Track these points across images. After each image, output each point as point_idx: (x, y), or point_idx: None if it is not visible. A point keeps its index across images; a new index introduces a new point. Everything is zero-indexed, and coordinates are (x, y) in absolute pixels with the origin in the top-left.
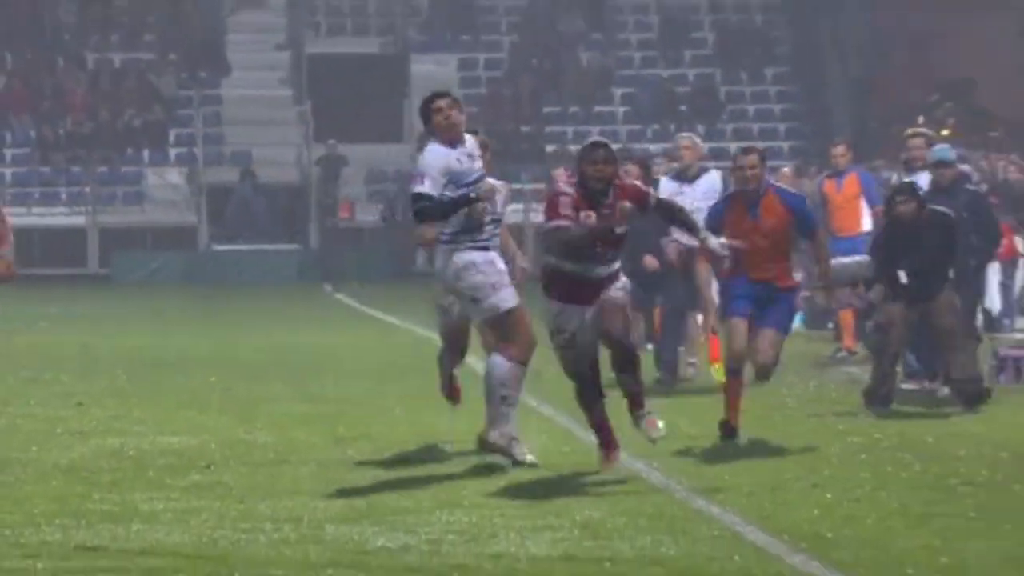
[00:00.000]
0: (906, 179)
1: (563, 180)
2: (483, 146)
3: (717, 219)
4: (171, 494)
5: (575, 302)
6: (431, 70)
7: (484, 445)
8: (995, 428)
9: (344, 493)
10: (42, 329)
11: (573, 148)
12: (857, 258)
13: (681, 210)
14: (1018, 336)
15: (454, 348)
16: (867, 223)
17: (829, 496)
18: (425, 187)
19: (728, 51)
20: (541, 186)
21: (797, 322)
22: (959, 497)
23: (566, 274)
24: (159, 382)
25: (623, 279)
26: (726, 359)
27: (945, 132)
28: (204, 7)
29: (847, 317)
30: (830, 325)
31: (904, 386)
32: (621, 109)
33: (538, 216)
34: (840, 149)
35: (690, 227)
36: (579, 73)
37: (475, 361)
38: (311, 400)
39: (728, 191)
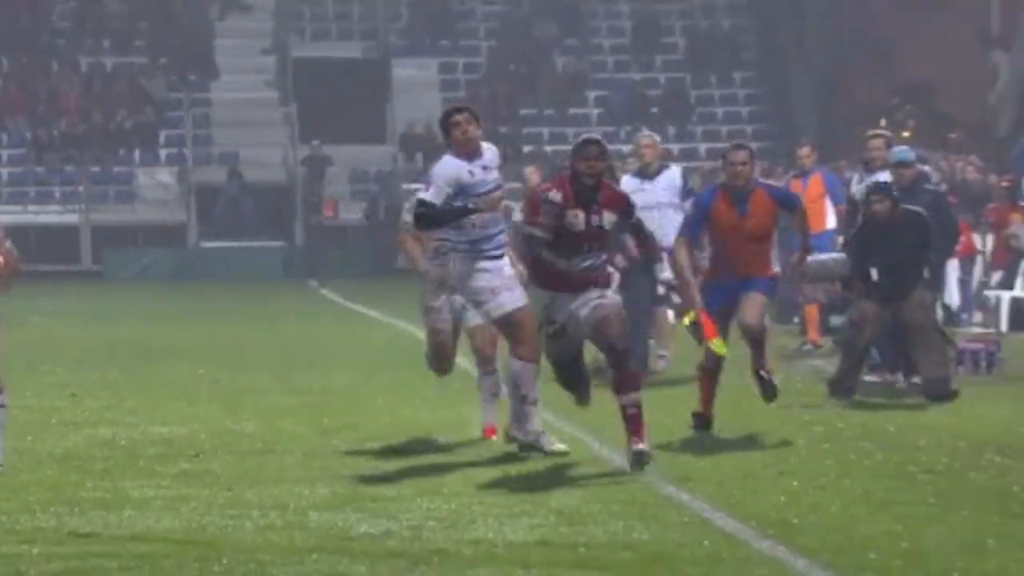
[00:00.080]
0: (873, 178)
1: (552, 185)
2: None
3: (702, 210)
4: (161, 482)
5: (562, 291)
6: (412, 74)
7: (511, 440)
8: (954, 418)
9: (328, 481)
10: (37, 323)
11: (549, 149)
12: (834, 255)
13: (650, 237)
14: (976, 330)
15: (440, 356)
16: (831, 221)
17: (795, 484)
18: (428, 195)
19: (697, 56)
20: (518, 185)
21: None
22: (919, 485)
23: (551, 266)
24: (150, 374)
25: (614, 276)
26: (704, 356)
27: (906, 134)
28: (193, 13)
29: (812, 311)
30: (796, 319)
31: (867, 378)
32: (595, 111)
33: (516, 215)
34: (805, 150)
35: (651, 253)
36: (554, 77)
37: (464, 363)
38: (296, 392)
39: (688, 187)
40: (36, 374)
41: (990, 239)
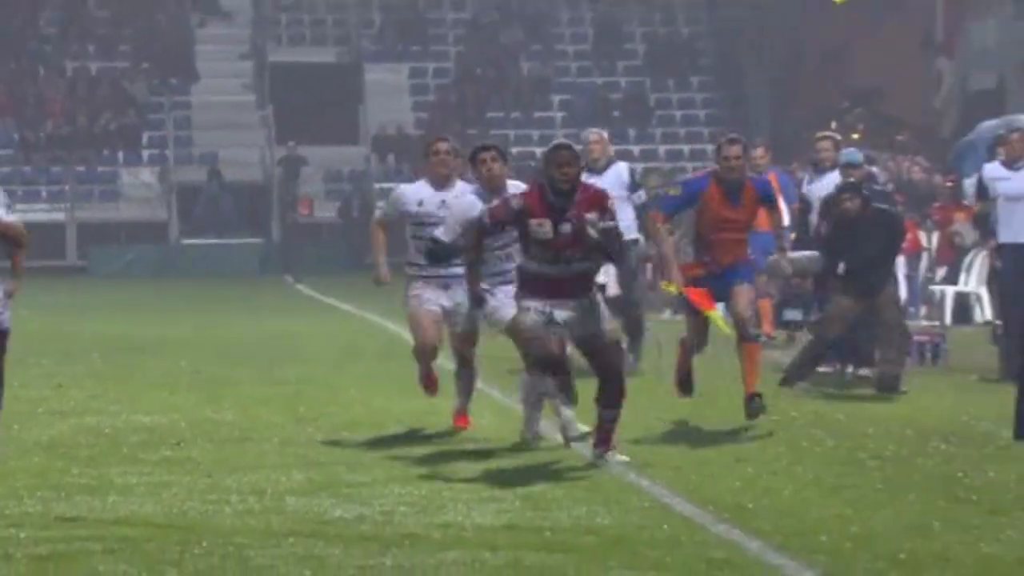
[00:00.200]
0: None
1: (523, 193)
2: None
3: (691, 196)
4: (144, 469)
5: (556, 298)
6: (384, 78)
7: (527, 441)
8: (901, 407)
9: (304, 468)
10: (24, 317)
11: (515, 150)
12: (807, 253)
13: (620, 237)
14: (922, 323)
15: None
16: (785, 219)
17: (750, 470)
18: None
19: (657, 61)
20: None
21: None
22: (868, 470)
23: (541, 275)
24: (133, 366)
25: (610, 285)
26: (688, 337)
27: (855, 136)
28: (174, 20)
29: (765, 305)
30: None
31: (820, 369)
32: (559, 114)
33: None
34: (760, 151)
35: (618, 261)
36: (520, 81)
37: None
38: (273, 382)
39: (635, 182)
40: (23, 365)
41: (935, 237)
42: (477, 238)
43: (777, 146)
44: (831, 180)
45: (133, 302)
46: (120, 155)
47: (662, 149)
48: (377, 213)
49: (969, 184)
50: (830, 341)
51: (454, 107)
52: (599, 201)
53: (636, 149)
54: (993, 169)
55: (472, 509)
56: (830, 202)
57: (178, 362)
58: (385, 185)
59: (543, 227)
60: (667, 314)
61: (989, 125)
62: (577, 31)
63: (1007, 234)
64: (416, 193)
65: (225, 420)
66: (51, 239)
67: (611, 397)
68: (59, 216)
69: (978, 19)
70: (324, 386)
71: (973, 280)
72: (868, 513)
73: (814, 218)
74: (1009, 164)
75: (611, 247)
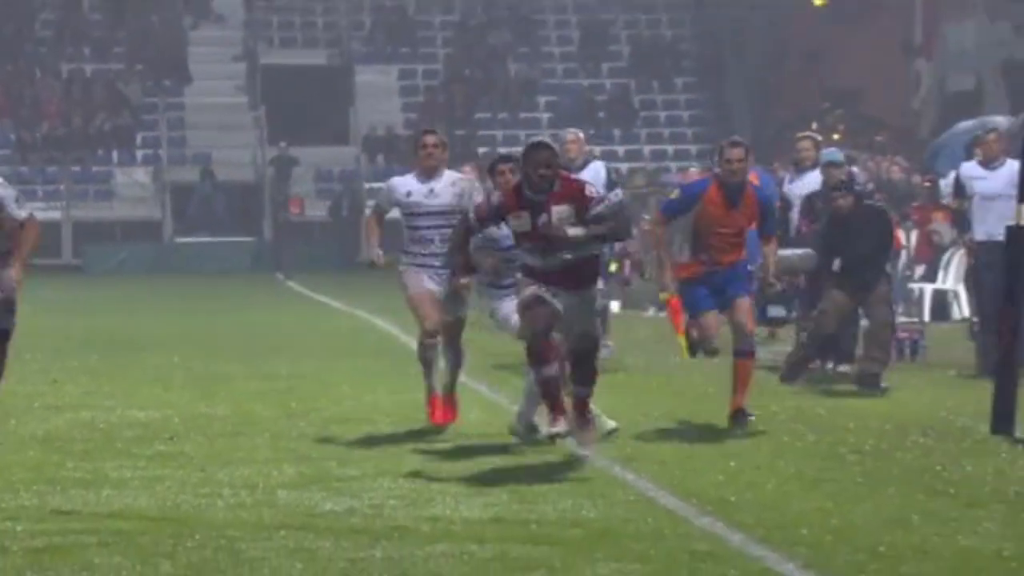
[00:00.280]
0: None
1: (502, 192)
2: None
3: (692, 198)
4: (138, 463)
5: (552, 284)
6: (374, 79)
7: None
8: (880, 403)
9: (295, 462)
10: (21, 313)
11: (503, 150)
12: (799, 252)
13: (618, 213)
14: (901, 320)
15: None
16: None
17: (733, 464)
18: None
19: (641, 63)
20: None
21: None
22: (848, 464)
23: (533, 267)
24: (127, 361)
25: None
26: (702, 342)
27: (836, 136)
28: (168, 22)
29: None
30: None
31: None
32: (545, 115)
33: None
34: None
35: (624, 236)
36: (507, 82)
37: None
38: (265, 377)
39: (612, 180)
40: (20, 361)
41: (914, 235)
42: (464, 236)
43: (759, 146)
44: (811, 179)
45: (127, 299)
46: (115, 155)
47: (647, 149)
48: (371, 207)
49: (945, 184)
50: (827, 336)
51: (443, 108)
52: (574, 192)
53: (621, 149)
54: (970, 168)
55: (460, 502)
56: (815, 200)
57: (171, 358)
58: (375, 184)
59: (520, 220)
60: (651, 311)
61: (964, 126)
62: (563, 33)
63: (983, 232)
64: (405, 185)
65: (218, 415)
66: (47, 238)
67: (586, 376)
68: (55, 215)
69: (956, 22)
70: (315, 382)
71: (951, 278)
72: (848, 506)
73: (795, 216)
74: (986, 164)
75: (610, 227)
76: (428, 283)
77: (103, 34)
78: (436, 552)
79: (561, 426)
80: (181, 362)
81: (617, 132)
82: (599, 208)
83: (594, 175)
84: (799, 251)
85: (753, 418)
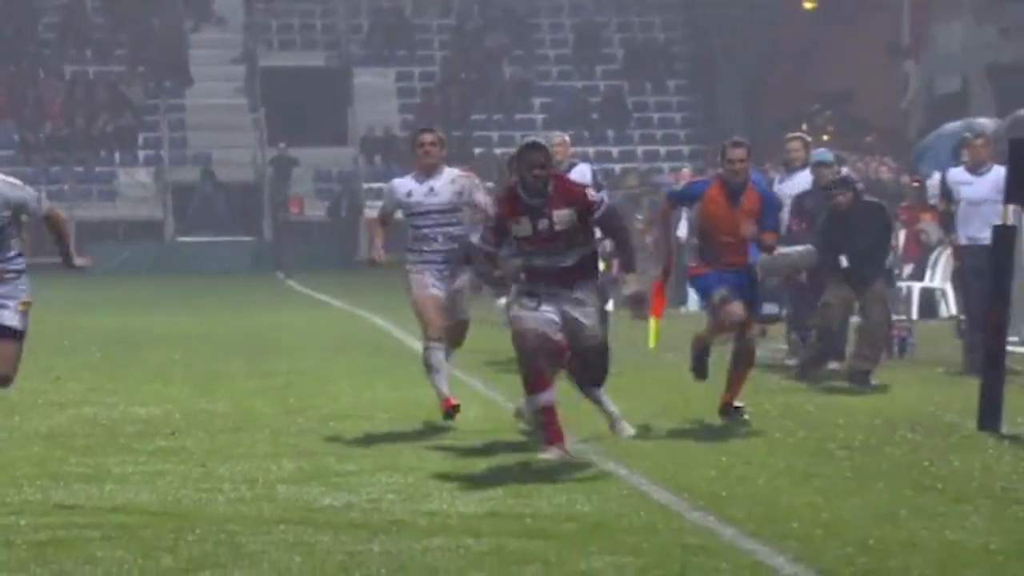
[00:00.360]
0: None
1: (497, 198)
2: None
3: (694, 195)
4: (139, 458)
5: (550, 289)
6: (372, 81)
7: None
8: (869, 399)
9: (294, 457)
10: None
11: (498, 151)
12: (799, 248)
13: (624, 230)
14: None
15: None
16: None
17: (724, 459)
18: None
19: (634, 65)
20: None
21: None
22: (837, 460)
23: (531, 267)
24: (129, 358)
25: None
26: (719, 333)
27: (825, 137)
28: (169, 25)
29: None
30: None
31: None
32: (540, 116)
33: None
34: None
35: (627, 255)
36: (503, 84)
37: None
38: (264, 374)
39: (598, 181)
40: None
41: (902, 234)
42: (491, 263)
43: (750, 146)
44: (801, 179)
45: (129, 298)
46: (117, 156)
47: (640, 150)
48: (376, 211)
49: (931, 185)
50: (834, 331)
51: (439, 109)
52: (574, 196)
53: (615, 150)
54: (957, 173)
55: (456, 497)
56: (805, 200)
57: (172, 355)
58: (373, 185)
59: (521, 224)
60: None
61: (949, 128)
62: (558, 36)
63: (965, 236)
64: (404, 185)
65: (218, 411)
66: (49, 238)
67: (597, 375)
68: None
69: (943, 24)
70: (314, 378)
71: (938, 277)
72: (837, 501)
73: (785, 216)
74: (972, 169)
75: (611, 229)
76: (432, 288)
77: (105, 36)
78: (433, 546)
79: (552, 453)
80: (182, 359)
81: (611, 133)
82: (599, 211)
83: (580, 177)
84: (800, 248)
85: (748, 417)
